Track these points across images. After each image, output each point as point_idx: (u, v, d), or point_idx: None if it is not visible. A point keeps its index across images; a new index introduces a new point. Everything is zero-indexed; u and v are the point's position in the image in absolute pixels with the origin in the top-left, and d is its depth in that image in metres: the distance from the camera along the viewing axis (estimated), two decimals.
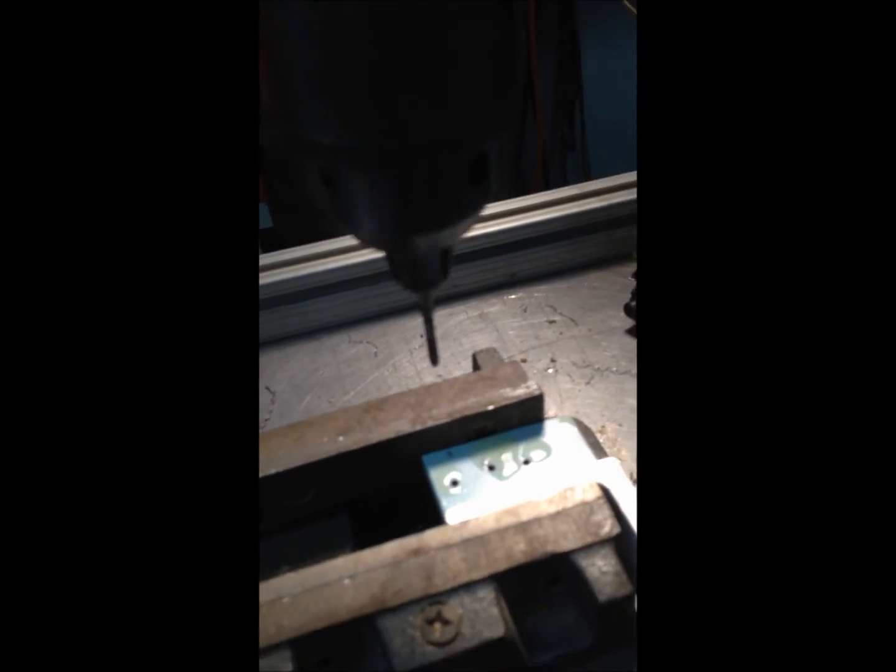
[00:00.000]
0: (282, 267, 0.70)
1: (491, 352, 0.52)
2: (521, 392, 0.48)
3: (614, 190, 0.77)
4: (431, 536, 0.39)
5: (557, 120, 2.09)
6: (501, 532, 0.39)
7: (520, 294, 0.75)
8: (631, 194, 0.76)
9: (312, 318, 0.72)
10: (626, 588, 0.36)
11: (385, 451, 0.46)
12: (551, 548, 0.38)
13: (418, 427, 0.46)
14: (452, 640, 0.35)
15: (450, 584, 0.37)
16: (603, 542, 0.38)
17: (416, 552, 0.39)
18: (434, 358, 0.40)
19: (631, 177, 0.78)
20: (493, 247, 0.73)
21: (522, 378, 0.49)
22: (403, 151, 0.27)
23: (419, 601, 0.36)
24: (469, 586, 0.37)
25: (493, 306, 0.74)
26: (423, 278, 0.34)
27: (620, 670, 0.38)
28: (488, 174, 0.30)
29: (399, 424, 0.47)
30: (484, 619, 0.36)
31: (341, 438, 0.46)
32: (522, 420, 0.49)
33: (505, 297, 0.75)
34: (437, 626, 0.36)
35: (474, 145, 0.28)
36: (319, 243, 0.71)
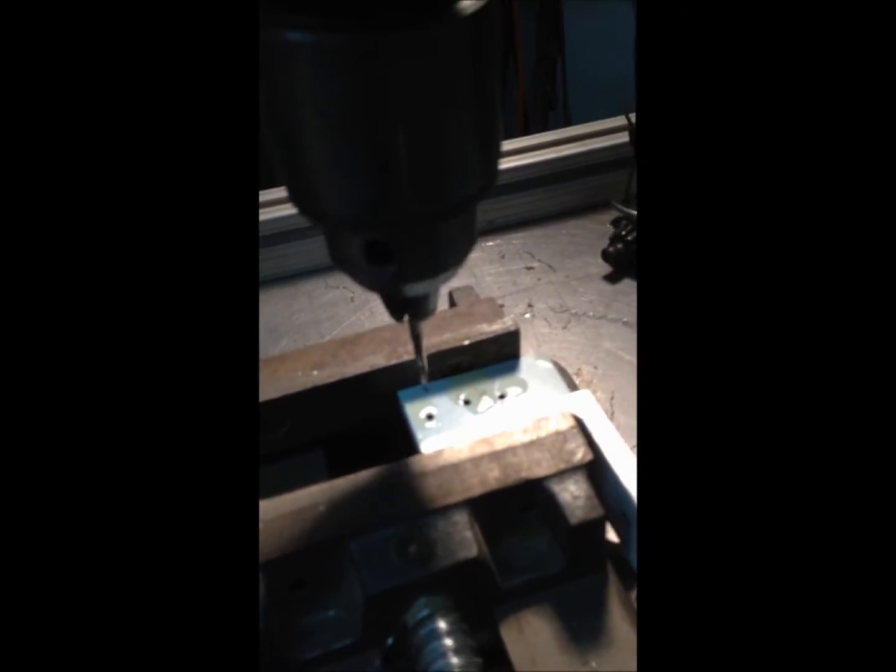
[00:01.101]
0: (259, 208, 0.69)
1: (467, 289, 0.52)
2: (497, 328, 0.48)
3: (594, 136, 0.76)
4: (406, 465, 0.39)
5: (539, 77, 2.06)
6: (476, 460, 0.39)
7: (497, 241, 0.75)
8: (610, 140, 0.76)
9: (288, 263, 0.72)
10: (597, 511, 0.37)
11: (360, 386, 0.46)
12: (525, 474, 0.38)
13: (393, 361, 0.46)
14: (426, 561, 0.35)
15: (424, 509, 0.37)
16: (575, 469, 0.38)
17: (391, 479, 0.39)
18: (425, 377, 0.44)
19: (611, 122, 0.77)
20: None
21: (499, 314, 0.49)
22: (401, 221, 0.29)
23: (393, 525, 0.36)
24: (443, 511, 0.37)
25: (472, 253, 0.73)
26: (413, 312, 0.37)
27: (590, 594, 0.38)
28: (472, 229, 0.34)
29: (374, 359, 0.46)
30: (458, 541, 0.36)
31: (315, 372, 0.45)
32: (498, 356, 0.49)
33: (482, 244, 0.74)
34: (412, 547, 0.36)
35: (459, 212, 0.31)
36: None
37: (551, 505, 0.38)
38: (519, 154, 0.74)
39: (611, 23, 1.70)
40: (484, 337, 0.47)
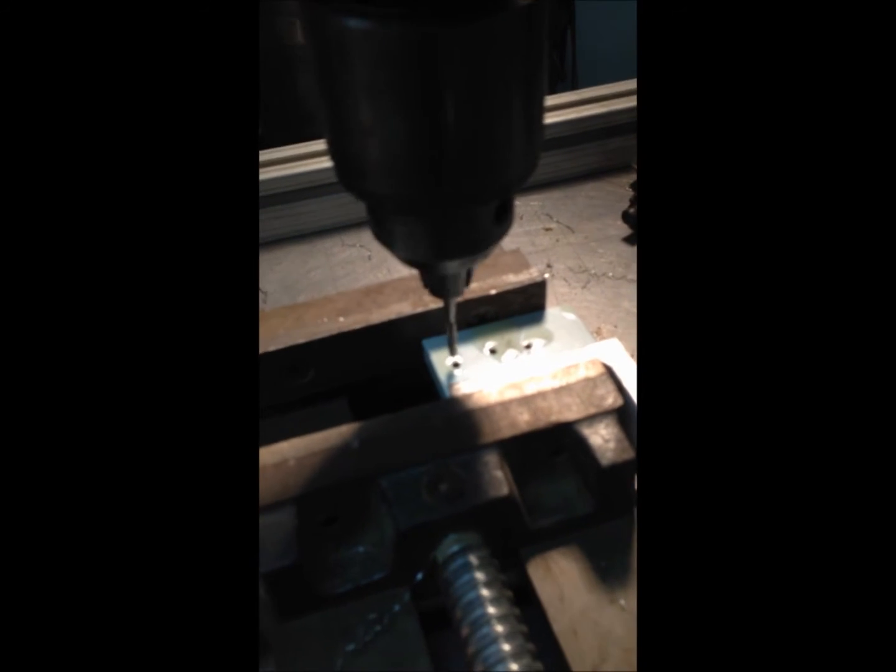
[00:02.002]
0: (272, 165, 0.69)
1: None
2: (523, 278, 0.48)
3: (613, 97, 0.76)
4: (436, 406, 0.39)
5: (549, 46, 2.05)
6: (505, 404, 0.39)
7: (516, 203, 0.74)
8: (630, 101, 0.75)
9: (304, 221, 0.71)
10: (628, 453, 0.37)
11: (385, 333, 0.46)
12: (555, 418, 0.38)
13: (419, 310, 0.46)
14: (457, 498, 0.35)
15: (454, 449, 0.37)
16: (605, 413, 0.38)
17: (421, 421, 0.39)
18: (453, 352, 0.45)
19: (630, 84, 0.77)
20: None
21: (525, 265, 0.49)
22: (439, 202, 0.30)
23: (424, 464, 0.36)
24: (474, 451, 0.37)
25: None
26: (448, 290, 0.38)
27: (618, 536, 0.38)
28: (510, 212, 0.34)
29: (400, 307, 0.46)
30: (488, 480, 0.36)
31: (341, 319, 0.45)
32: (524, 307, 0.48)
33: None
34: (442, 485, 0.36)
35: (502, 196, 0.32)
36: (312, 142, 0.70)
37: (581, 448, 0.38)
38: None
39: None
40: (510, 287, 0.47)
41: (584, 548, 0.38)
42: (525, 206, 0.74)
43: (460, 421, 0.38)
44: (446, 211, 0.32)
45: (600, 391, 0.40)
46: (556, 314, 0.49)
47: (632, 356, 0.57)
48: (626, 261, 0.66)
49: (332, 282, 0.67)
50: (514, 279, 0.48)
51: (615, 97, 0.76)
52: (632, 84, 0.77)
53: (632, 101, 0.75)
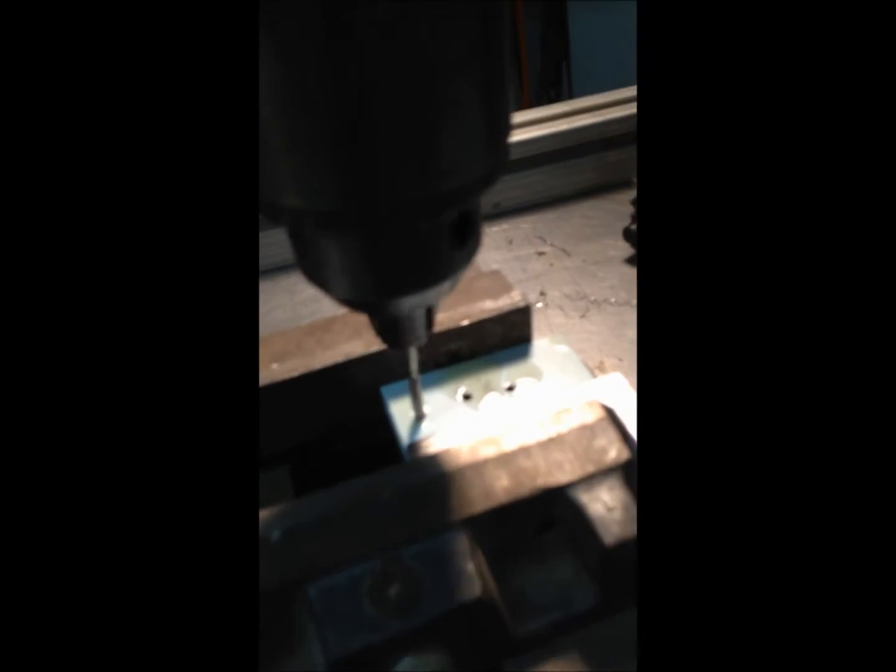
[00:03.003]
0: None
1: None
2: (503, 304, 0.39)
3: (609, 106, 0.68)
4: (386, 477, 0.30)
5: (544, 81, 1.99)
6: (478, 466, 0.30)
7: (504, 226, 0.66)
8: (627, 110, 0.67)
9: (265, 255, 0.63)
10: None
11: (333, 381, 0.37)
12: (542, 482, 0.29)
13: (374, 349, 0.37)
14: (412, 606, 0.26)
15: (409, 535, 0.28)
16: (608, 472, 0.29)
17: (365, 497, 0.29)
18: (419, 414, 0.36)
19: (627, 92, 0.69)
20: None
21: (505, 288, 0.40)
22: (376, 215, 0.23)
23: (367, 560, 0.27)
24: (435, 535, 0.28)
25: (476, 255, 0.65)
26: (405, 336, 0.30)
27: (629, 636, 0.29)
28: (475, 229, 0.26)
29: (350, 347, 0.37)
30: (454, 576, 0.27)
31: (275, 366, 0.37)
32: (505, 340, 0.40)
33: (487, 230, 0.66)
34: (392, 589, 0.27)
35: (456, 205, 0.24)
36: None
37: (578, 521, 0.28)
38: (526, 127, 0.66)
39: (617, 24, 1.64)
40: (487, 316, 0.38)
41: (587, 653, 0.28)
42: (515, 228, 0.66)
43: (419, 493, 0.29)
44: (387, 228, 0.24)
45: (600, 442, 0.30)
46: (544, 347, 0.40)
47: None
48: (629, 284, 0.57)
49: (294, 322, 0.59)
50: (491, 306, 0.39)
51: (611, 106, 0.68)
52: (628, 92, 0.69)
53: (629, 110, 0.67)
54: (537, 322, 0.55)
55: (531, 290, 0.58)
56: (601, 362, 0.51)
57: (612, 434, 0.30)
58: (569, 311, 0.56)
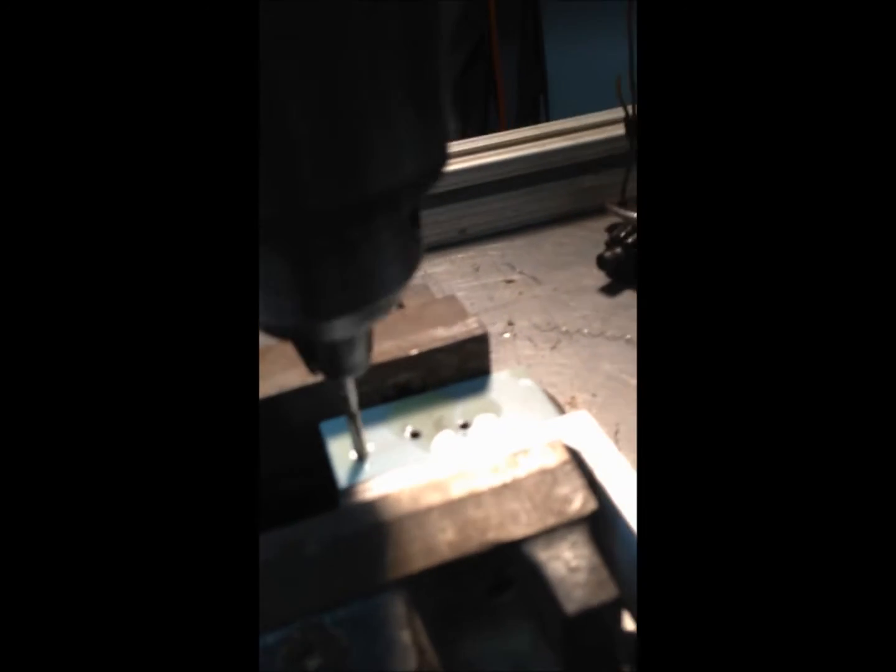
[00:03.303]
0: None
1: (419, 288, 0.39)
2: (457, 332, 0.35)
3: (581, 130, 0.65)
4: (312, 529, 0.26)
5: (522, 116, 1.98)
6: (419, 516, 0.26)
7: (470, 252, 0.63)
8: (603, 133, 0.64)
9: None
10: (608, 591, 0.23)
11: (265, 416, 0.33)
12: (493, 535, 0.25)
13: (311, 381, 0.33)
14: None
15: (334, 597, 0.23)
16: (571, 525, 0.25)
17: (287, 552, 0.25)
18: (361, 454, 0.32)
19: (602, 115, 0.66)
20: (435, 195, 0.60)
21: (460, 315, 0.36)
22: (296, 222, 0.19)
23: (283, 625, 0.23)
24: (364, 599, 0.23)
25: (438, 266, 0.61)
26: (339, 365, 0.26)
27: None
28: (415, 233, 0.23)
29: (285, 378, 0.33)
30: (386, 646, 0.22)
31: None
32: (460, 372, 0.35)
33: (451, 257, 0.62)
34: (312, 661, 0.22)
35: (396, 206, 0.21)
36: None
37: (536, 583, 0.24)
38: (495, 150, 0.63)
39: (595, 58, 1.63)
40: (439, 345, 0.34)
41: None
42: (482, 255, 0.62)
43: (348, 547, 0.25)
44: (306, 236, 0.21)
45: (562, 490, 0.26)
46: (505, 380, 0.36)
47: (611, 435, 0.43)
48: (603, 314, 0.54)
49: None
50: (444, 334, 0.35)
51: (586, 129, 0.65)
52: (604, 115, 0.66)
53: (605, 133, 0.64)
54: (504, 354, 0.51)
55: (498, 320, 0.54)
56: (573, 397, 0.47)
57: (577, 481, 0.26)
58: (538, 343, 0.52)
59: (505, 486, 0.27)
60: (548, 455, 0.28)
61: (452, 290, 0.58)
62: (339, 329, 0.24)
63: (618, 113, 0.63)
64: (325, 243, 0.21)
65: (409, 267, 0.23)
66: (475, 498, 0.26)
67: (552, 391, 0.45)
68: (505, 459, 0.28)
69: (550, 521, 0.25)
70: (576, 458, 0.28)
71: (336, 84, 0.18)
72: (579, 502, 0.26)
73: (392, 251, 0.22)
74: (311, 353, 0.26)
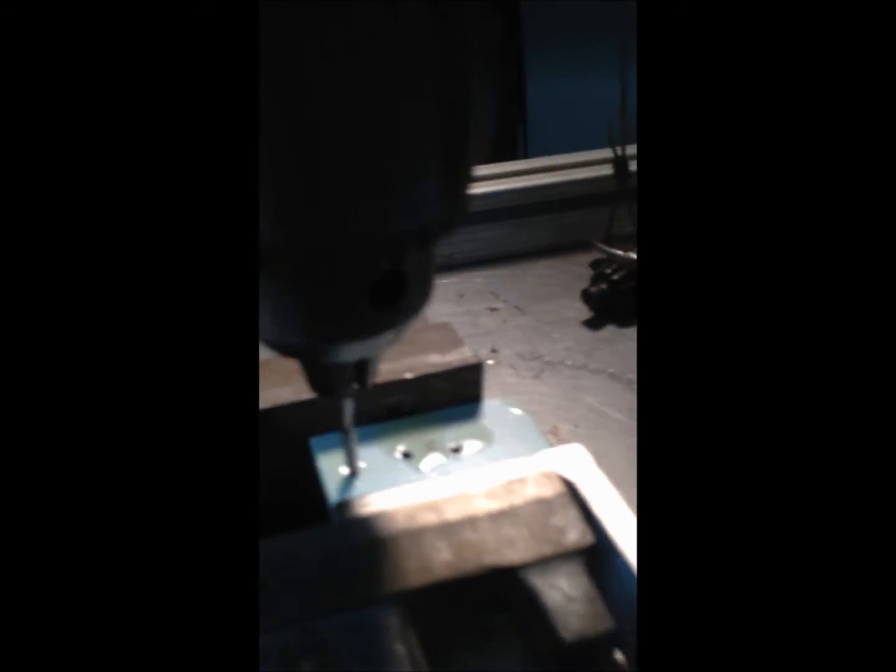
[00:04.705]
0: None
1: None
2: (452, 359, 0.35)
3: (568, 167, 0.66)
4: (308, 539, 0.26)
5: (499, 150, 2.01)
6: (415, 535, 0.26)
7: (455, 279, 0.63)
8: (588, 172, 0.66)
9: None
10: (604, 623, 0.23)
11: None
12: (490, 559, 0.25)
13: (304, 396, 0.33)
14: None
15: (329, 605, 0.23)
16: (568, 557, 0.25)
17: (282, 561, 0.25)
18: (353, 470, 0.32)
19: (587, 155, 0.67)
20: None
21: (455, 343, 0.36)
22: (312, 255, 0.20)
23: (276, 630, 0.23)
24: (358, 614, 0.23)
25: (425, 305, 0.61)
26: (337, 388, 0.27)
27: None
28: (402, 294, 0.23)
29: (278, 393, 0.33)
30: (380, 658, 0.22)
31: None
32: (453, 398, 0.36)
33: (437, 282, 0.62)
34: (306, 665, 0.22)
35: (391, 256, 0.21)
36: None
37: (532, 609, 0.24)
38: (483, 181, 0.64)
39: (577, 93, 1.66)
40: (433, 370, 0.35)
41: None
42: (466, 282, 0.63)
43: (344, 559, 0.25)
44: (324, 269, 0.21)
45: (558, 520, 0.26)
46: (496, 408, 0.36)
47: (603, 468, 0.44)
48: (586, 348, 0.54)
49: None
50: (438, 360, 0.35)
51: (570, 167, 0.67)
52: (588, 155, 0.67)
53: (590, 172, 0.66)
54: (487, 380, 0.51)
55: (482, 346, 0.55)
56: (555, 426, 0.47)
57: (573, 513, 0.27)
58: (521, 371, 0.52)
59: (502, 513, 0.27)
60: (543, 485, 0.28)
61: (436, 316, 0.58)
62: (342, 355, 0.24)
63: (603, 153, 0.64)
64: (335, 274, 0.21)
65: (424, 295, 0.24)
66: (471, 522, 0.26)
67: (534, 419, 0.45)
68: (501, 486, 0.28)
69: (547, 550, 0.25)
70: (571, 491, 0.28)
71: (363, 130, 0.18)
72: (576, 535, 0.26)
73: (414, 281, 0.23)
74: (317, 372, 0.26)
